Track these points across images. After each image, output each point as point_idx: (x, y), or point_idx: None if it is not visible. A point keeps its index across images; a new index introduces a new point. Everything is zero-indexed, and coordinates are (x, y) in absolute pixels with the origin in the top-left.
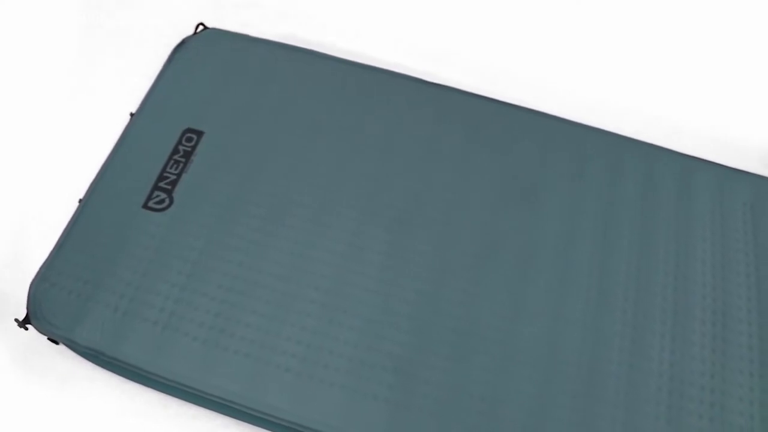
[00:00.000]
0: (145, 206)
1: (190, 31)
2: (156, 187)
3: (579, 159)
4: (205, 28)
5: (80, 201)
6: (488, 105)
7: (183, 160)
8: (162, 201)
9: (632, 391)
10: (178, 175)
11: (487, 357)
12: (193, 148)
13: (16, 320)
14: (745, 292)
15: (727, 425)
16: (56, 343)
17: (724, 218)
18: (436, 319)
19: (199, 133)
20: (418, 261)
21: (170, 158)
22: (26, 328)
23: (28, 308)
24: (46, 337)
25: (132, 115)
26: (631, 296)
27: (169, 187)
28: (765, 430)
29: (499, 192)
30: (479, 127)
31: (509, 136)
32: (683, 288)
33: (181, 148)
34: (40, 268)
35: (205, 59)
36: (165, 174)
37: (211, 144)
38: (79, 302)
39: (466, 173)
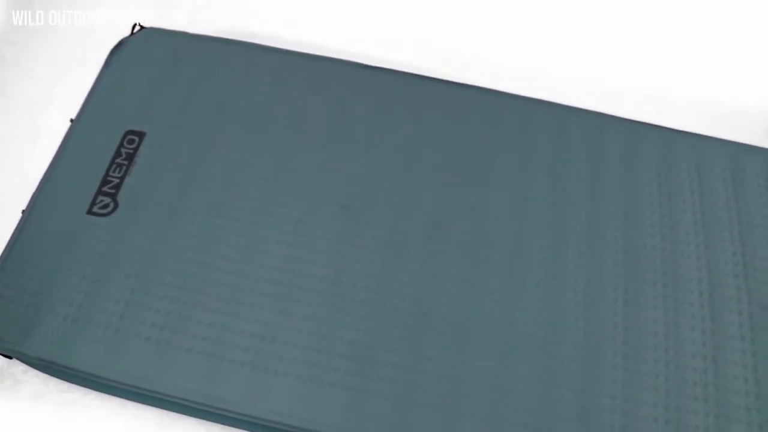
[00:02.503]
0: (90, 212)
1: (127, 32)
2: (100, 192)
3: (525, 132)
4: (142, 27)
5: (23, 212)
6: (431, 85)
7: (126, 162)
8: (106, 206)
9: (589, 358)
10: (122, 179)
11: (443, 336)
12: (136, 149)
13: None
14: (694, 251)
15: (682, 382)
16: (9, 357)
17: (671, 180)
18: (390, 302)
19: (141, 135)
20: (369, 245)
21: (113, 162)
22: None
23: None
24: None
25: (72, 121)
26: (583, 265)
27: (113, 191)
28: (718, 384)
29: (447, 170)
30: (423, 107)
31: (454, 114)
32: (633, 252)
33: (123, 150)
34: None
35: (144, 59)
36: (108, 178)
37: (154, 144)
38: (27, 314)
39: (413, 154)
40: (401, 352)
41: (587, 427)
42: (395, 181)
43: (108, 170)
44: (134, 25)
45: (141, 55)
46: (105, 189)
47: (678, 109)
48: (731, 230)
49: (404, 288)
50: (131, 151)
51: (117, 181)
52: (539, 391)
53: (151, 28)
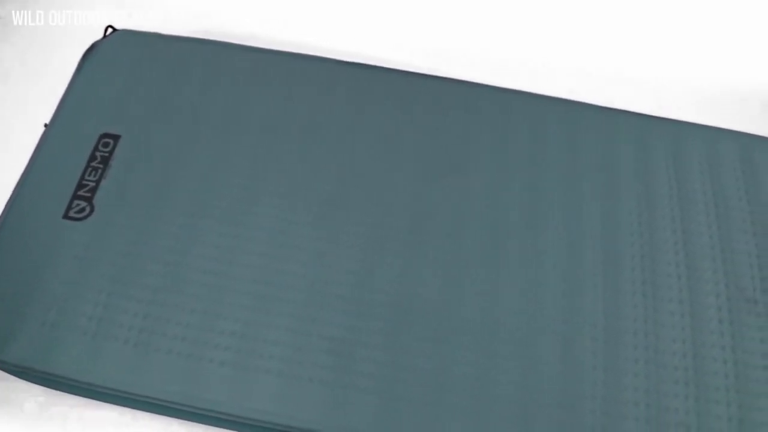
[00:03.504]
0: (66, 217)
1: (99, 35)
2: (75, 197)
3: (504, 123)
4: (115, 30)
5: None
6: (409, 79)
7: (101, 166)
8: (82, 210)
9: (568, 346)
10: (97, 182)
11: (424, 330)
12: (111, 152)
13: None
14: (671, 236)
15: (661, 366)
16: None
17: (647, 166)
18: (371, 297)
19: (116, 137)
20: (349, 241)
21: (88, 165)
22: None
23: None
24: None
25: (46, 125)
26: (562, 253)
27: (88, 195)
28: (697, 366)
29: (426, 165)
30: (402, 101)
31: (432, 108)
32: (611, 238)
33: (98, 154)
34: None
35: (117, 61)
36: (83, 182)
37: (129, 147)
38: (4, 320)
39: (392, 149)
40: (384, 347)
41: (568, 414)
42: (375, 178)
43: (83, 174)
44: (107, 28)
45: (114, 57)
46: (81, 193)
47: (654, 93)
48: (708, 214)
49: (386, 283)
50: (106, 154)
51: (93, 184)
52: (522, 381)
53: (124, 30)
